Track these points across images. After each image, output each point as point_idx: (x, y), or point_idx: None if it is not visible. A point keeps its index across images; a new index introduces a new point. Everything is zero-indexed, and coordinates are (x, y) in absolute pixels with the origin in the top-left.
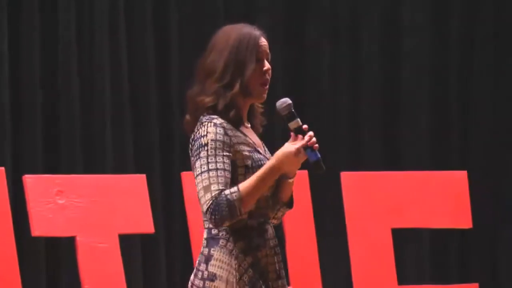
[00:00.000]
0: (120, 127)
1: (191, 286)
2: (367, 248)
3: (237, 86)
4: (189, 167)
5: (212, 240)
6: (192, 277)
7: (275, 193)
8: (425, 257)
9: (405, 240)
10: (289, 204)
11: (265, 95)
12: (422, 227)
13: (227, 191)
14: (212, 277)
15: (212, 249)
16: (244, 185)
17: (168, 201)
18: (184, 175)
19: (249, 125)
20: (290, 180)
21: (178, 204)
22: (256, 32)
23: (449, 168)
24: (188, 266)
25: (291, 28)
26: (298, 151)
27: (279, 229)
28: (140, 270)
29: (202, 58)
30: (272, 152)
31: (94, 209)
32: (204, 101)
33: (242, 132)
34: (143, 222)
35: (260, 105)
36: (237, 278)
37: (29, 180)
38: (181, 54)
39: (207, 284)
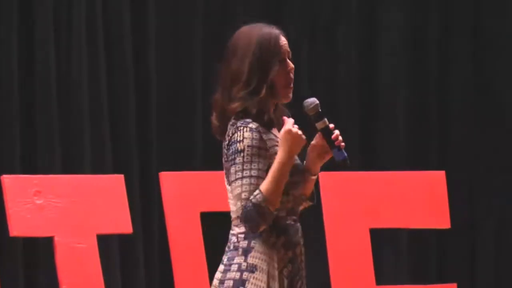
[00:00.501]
0: (98, 128)
1: (221, 283)
2: (346, 248)
3: (263, 90)
4: (166, 167)
5: (252, 234)
6: (220, 274)
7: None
8: (403, 257)
9: (383, 241)
10: (312, 198)
11: (291, 95)
12: (400, 228)
13: (251, 197)
14: (252, 269)
15: (253, 241)
16: (264, 185)
17: (146, 202)
18: (162, 175)
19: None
20: (313, 177)
21: (156, 204)
22: (276, 31)
23: (427, 168)
24: (166, 266)
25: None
26: (292, 125)
27: None
28: (118, 270)
29: (225, 62)
30: None
31: (72, 210)
32: (232, 108)
33: (273, 134)
34: (121, 223)
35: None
36: (278, 270)
37: (7, 180)
38: (158, 54)
39: (246, 275)
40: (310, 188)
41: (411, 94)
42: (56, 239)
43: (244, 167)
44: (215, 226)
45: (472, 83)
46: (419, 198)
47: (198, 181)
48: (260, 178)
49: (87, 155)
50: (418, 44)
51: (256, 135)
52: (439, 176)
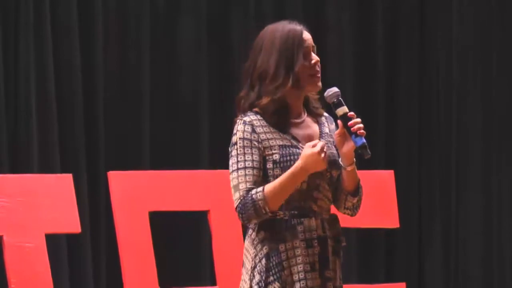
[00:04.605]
0: (45, 127)
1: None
2: None
3: (289, 83)
4: (114, 166)
5: (246, 231)
6: None
7: (339, 184)
8: (352, 256)
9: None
10: (354, 193)
11: (319, 84)
12: (349, 227)
13: (253, 191)
14: (243, 265)
15: (245, 239)
16: (269, 185)
17: (94, 201)
18: (110, 174)
19: (303, 118)
20: (348, 168)
21: (104, 203)
22: (298, 27)
23: (375, 167)
24: (114, 265)
25: (215, 28)
26: (322, 149)
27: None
28: (67, 270)
29: (251, 61)
30: None
31: (21, 209)
32: (263, 103)
33: (283, 127)
34: (70, 222)
35: (314, 93)
36: (252, 266)
37: None
38: (106, 53)
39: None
40: (349, 180)
41: (358, 93)
42: (4, 238)
43: (239, 159)
44: (163, 225)
45: (419, 83)
46: (368, 198)
47: (146, 180)
48: (255, 168)
49: (35, 154)
50: (365, 45)
51: (248, 128)
52: (387, 176)
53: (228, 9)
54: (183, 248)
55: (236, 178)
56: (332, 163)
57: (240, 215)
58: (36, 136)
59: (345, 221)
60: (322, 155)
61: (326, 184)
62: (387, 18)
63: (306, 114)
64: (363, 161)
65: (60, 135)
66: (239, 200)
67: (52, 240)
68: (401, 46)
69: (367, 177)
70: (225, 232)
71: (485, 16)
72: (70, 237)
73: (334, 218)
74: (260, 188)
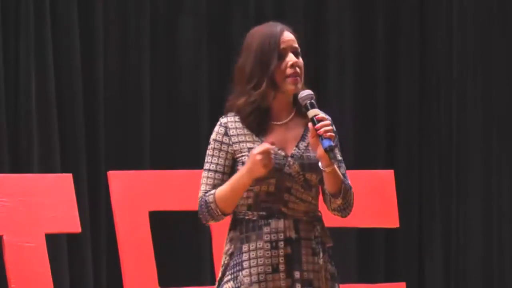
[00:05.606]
0: (45, 127)
1: None
2: None
3: (264, 85)
4: (115, 166)
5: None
6: None
7: (323, 186)
8: (352, 256)
9: (332, 240)
10: (336, 194)
11: (296, 86)
12: (349, 227)
13: (207, 193)
14: None
15: None
16: (221, 188)
17: (94, 201)
18: (111, 174)
19: (286, 120)
20: (327, 170)
21: (104, 203)
22: (277, 28)
23: (375, 167)
24: (114, 265)
25: (215, 28)
26: (261, 153)
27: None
28: (67, 269)
29: (236, 63)
30: None
31: (21, 209)
32: (239, 103)
33: (259, 129)
34: (70, 222)
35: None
36: (222, 263)
37: None
38: (106, 53)
39: None
40: (329, 182)
41: (359, 92)
42: (4, 238)
43: (206, 160)
44: (163, 225)
45: (420, 83)
46: (367, 197)
47: (146, 180)
48: (217, 172)
49: (35, 154)
50: (366, 43)
51: (221, 130)
52: (387, 176)
53: (228, 9)
54: (183, 248)
55: (202, 179)
56: (306, 166)
57: (199, 215)
58: (36, 136)
59: (345, 221)
60: (258, 157)
61: (300, 186)
62: (387, 18)
63: (293, 115)
64: (363, 161)
65: (60, 135)
66: (199, 201)
67: (52, 240)
68: (401, 46)
69: (367, 177)
70: (225, 232)
71: (485, 16)
72: (70, 237)
73: (316, 220)
74: (213, 191)
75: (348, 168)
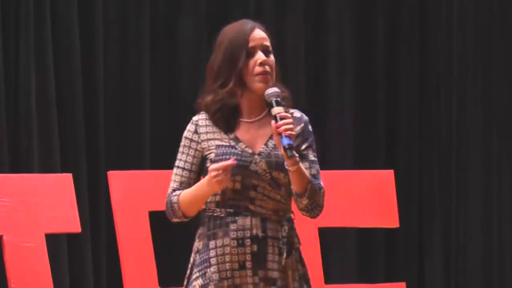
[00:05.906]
0: (45, 127)
1: None
2: None
3: (231, 83)
4: (115, 166)
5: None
6: None
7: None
8: (351, 256)
9: (332, 240)
10: (301, 194)
11: (263, 85)
12: (349, 227)
13: (174, 193)
14: None
15: None
16: (185, 191)
17: (94, 201)
18: (110, 174)
19: (257, 118)
20: (291, 169)
21: (104, 203)
22: (248, 26)
23: (375, 167)
24: (114, 265)
25: (215, 28)
26: (215, 170)
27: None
28: (67, 269)
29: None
30: None
31: (21, 209)
32: (206, 101)
33: (227, 127)
34: (70, 222)
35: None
36: (191, 262)
37: None
38: (106, 53)
39: None
40: (294, 182)
41: (359, 92)
42: (4, 238)
43: (177, 157)
44: (163, 225)
45: (420, 82)
46: (367, 197)
47: (146, 180)
48: (185, 170)
49: (35, 154)
50: (366, 43)
51: (191, 128)
52: (387, 176)
53: (228, 9)
54: (183, 248)
55: (172, 176)
56: (273, 164)
57: (166, 212)
58: (36, 136)
59: (345, 220)
60: (213, 173)
61: (268, 184)
62: (387, 18)
63: (265, 113)
64: (363, 161)
65: (60, 135)
66: (166, 197)
67: (52, 240)
68: (401, 46)
69: (367, 177)
70: None
71: (485, 16)
72: (70, 237)
73: (286, 220)
74: (178, 192)
75: (348, 168)
